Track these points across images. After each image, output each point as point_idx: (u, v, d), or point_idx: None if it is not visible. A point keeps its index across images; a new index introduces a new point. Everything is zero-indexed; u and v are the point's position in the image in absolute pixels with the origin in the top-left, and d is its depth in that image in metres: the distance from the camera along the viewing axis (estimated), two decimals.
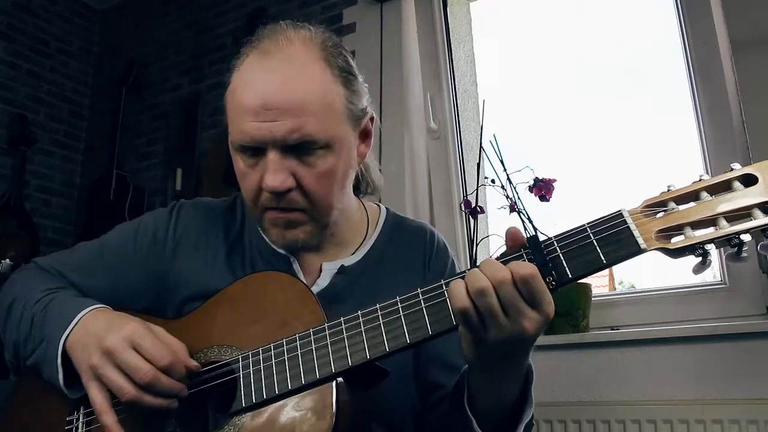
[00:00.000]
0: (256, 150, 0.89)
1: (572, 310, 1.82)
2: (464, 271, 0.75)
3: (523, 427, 0.81)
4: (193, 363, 0.84)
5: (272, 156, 0.87)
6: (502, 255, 0.76)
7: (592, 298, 1.89)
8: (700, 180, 0.72)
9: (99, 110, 3.41)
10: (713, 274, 1.88)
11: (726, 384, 1.60)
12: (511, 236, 0.75)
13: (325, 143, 0.89)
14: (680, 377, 1.66)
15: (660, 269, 1.97)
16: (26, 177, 3.05)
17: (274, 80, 0.87)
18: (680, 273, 1.89)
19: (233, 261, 1.01)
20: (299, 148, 0.88)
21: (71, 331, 0.87)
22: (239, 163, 0.92)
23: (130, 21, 3.45)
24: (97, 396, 0.82)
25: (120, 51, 3.41)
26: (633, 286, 2.32)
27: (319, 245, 1.01)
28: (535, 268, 0.70)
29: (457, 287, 0.71)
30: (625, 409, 1.69)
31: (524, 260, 0.73)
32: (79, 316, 0.88)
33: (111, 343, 0.81)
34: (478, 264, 0.75)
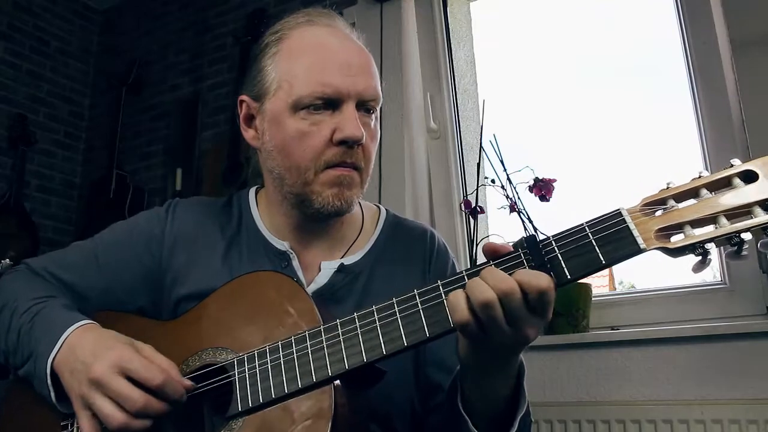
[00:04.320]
0: (329, 104, 0.92)
1: (572, 310, 1.82)
2: (462, 272, 0.74)
3: (519, 420, 0.80)
4: (187, 382, 0.82)
5: (351, 108, 0.92)
6: (499, 257, 0.74)
7: (592, 298, 1.88)
8: (700, 177, 0.70)
9: (99, 110, 3.41)
10: (713, 274, 1.88)
11: (726, 384, 1.60)
12: (491, 251, 0.74)
13: (378, 112, 0.98)
14: (680, 377, 1.66)
15: (660, 269, 1.97)
16: (26, 177, 3.05)
17: (351, 44, 0.96)
18: (680, 273, 1.89)
19: (231, 258, 1.00)
20: (365, 107, 0.95)
21: (58, 350, 0.85)
22: (299, 123, 0.92)
23: (130, 21, 3.45)
24: (86, 426, 0.81)
25: (120, 51, 3.41)
26: (633, 286, 2.32)
27: (323, 233, 1.01)
28: (551, 280, 0.68)
29: (457, 299, 0.70)
30: (625, 409, 1.69)
31: (524, 264, 0.72)
32: (65, 335, 0.86)
33: (98, 373, 0.79)
34: (477, 266, 0.73)
